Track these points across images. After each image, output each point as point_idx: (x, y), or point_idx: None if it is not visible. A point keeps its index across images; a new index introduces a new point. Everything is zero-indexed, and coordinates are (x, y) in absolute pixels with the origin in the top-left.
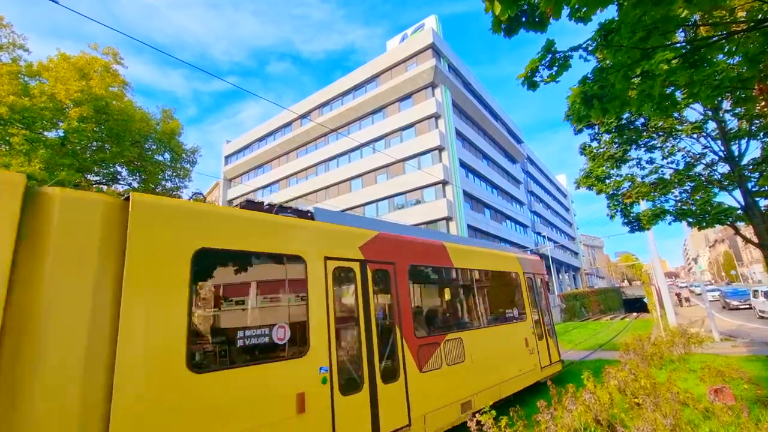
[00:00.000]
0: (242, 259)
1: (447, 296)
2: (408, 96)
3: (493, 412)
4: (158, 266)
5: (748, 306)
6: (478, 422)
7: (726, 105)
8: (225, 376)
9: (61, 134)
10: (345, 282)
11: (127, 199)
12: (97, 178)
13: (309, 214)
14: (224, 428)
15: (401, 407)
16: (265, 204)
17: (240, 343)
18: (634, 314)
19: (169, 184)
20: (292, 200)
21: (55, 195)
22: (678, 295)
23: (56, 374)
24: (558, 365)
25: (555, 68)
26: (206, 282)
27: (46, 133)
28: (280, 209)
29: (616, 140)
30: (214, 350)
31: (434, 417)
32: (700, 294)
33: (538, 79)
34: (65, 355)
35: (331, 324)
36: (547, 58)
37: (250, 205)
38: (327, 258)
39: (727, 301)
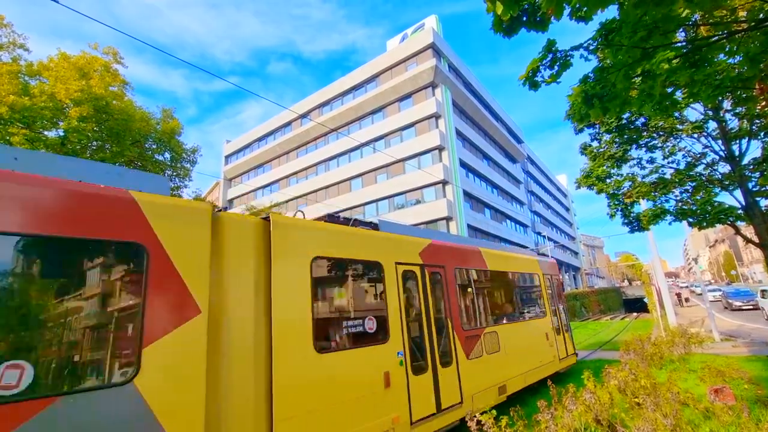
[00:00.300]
0: (342, 264)
1: (483, 294)
2: (408, 96)
3: (494, 412)
4: (291, 269)
5: (752, 307)
6: (479, 422)
7: (726, 105)
8: (338, 356)
9: (61, 134)
10: (410, 282)
11: (268, 219)
12: None
13: (374, 225)
14: (340, 395)
15: (455, 388)
16: (341, 217)
17: (345, 331)
18: (634, 314)
19: (169, 184)
20: (292, 200)
21: (226, 218)
22: (678, 295)
23: (239, 354)
24: (573, 357)
25: (556, 68)
26: (320, 282)
27: (46, 133)
28: (355, 222)
29: (617, 140)
30: (329, 336)
31: (479, 397)
32: (701, 294)
33: (539, 79)
34: (244, 340)
35: (402, 317)
36: (548, 58)
37: (330, 218)
38: (397, 263)
39: (730, 301)
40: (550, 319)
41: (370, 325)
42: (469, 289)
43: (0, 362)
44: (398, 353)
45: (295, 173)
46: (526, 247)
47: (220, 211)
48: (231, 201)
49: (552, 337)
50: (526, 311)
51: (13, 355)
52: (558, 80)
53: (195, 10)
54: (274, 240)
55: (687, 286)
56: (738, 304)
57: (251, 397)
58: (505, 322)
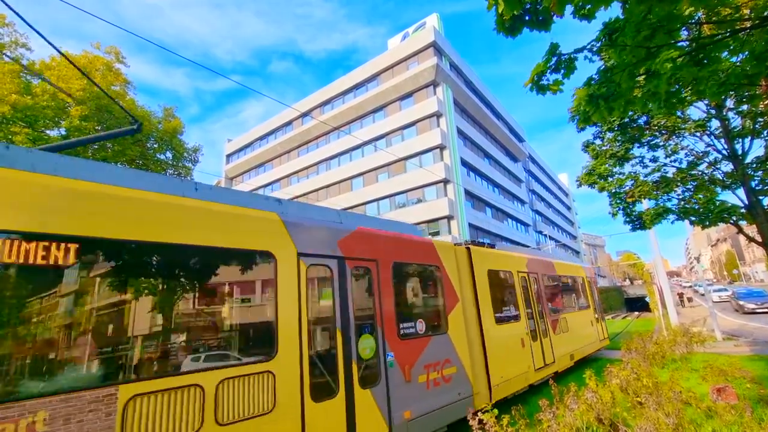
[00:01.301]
0: (500, 274)
1: (555, 291)
2: (409, 94)
3: (495, 411)
4: (481, 282)
5: (767, 310)
6: (480, 421)
7: (729, 103)
8: (503, 327)
9: (63, 133)
10: (529, 283)
11: (468, 248)
12: None
13: (492, 245)
14: (506, 348)
15: (550, 352)
16: (486, 243)
17: (506, 313)
18: (636, 313)
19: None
20: (293, 199)
21: (457, 248)
22: (680, 295)
23: (470, 320)
24: (606, 341)
25: (562, 71)
26: (488, 285)
27: (48, 132)
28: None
29: (619, 138)
30: (501, 315)
31: (560, 360)
32: (704, 294)
33: (545, 82)
34: (470, 314)
35: (521, 300)
36: (553, 61)
37: (478, 243)
38: (519, 271)
39: (741, 303)
40: (593, 310)
41: (514, 311)
42: (548, 288)
43: (414, 320)
44: (525, 328)
45: (296, 172)
46: (528, 246)
47: (458, 244)
48: None
49: (594, 323)
50: (578, 304)
51: (416, 317)
52: (562, 86)
53: (197, 10)
54: (474, 261)
55: (691, 286)
56: (751, 306)
57: (477, 341)
58: (569, 311)
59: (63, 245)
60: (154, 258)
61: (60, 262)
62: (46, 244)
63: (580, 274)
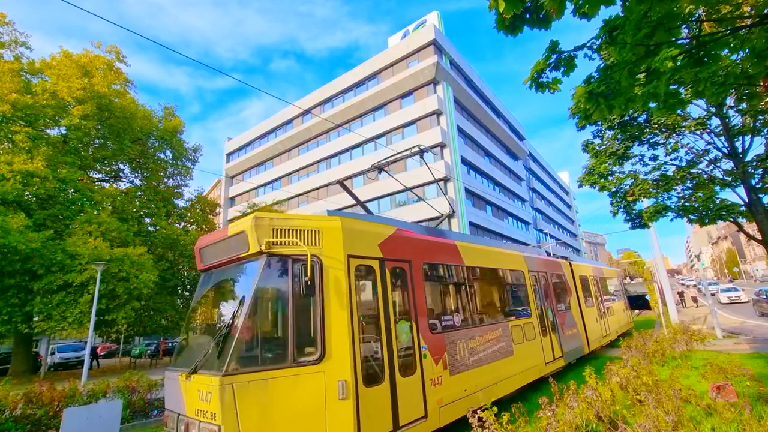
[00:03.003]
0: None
1: (603, 287)
2: (410, 92)
3: (494, 409)
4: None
5: None
6: (480, 419)
7: (730, 101)
8: (589, 310)
9: (63, 132)
10: (585, 283)
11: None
12: (99, 176)
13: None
14: (595, 325)
15: (583, 336)
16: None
17: (557, 306)
18: (636, 311)
19: (170, 182)
20: (293, 197)
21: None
22: (680, 294)
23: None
24: (631, 323)
25: (562, 68)
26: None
27: (48, 131)
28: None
29: (619, 136)
30: (597, 303)
31: (593, 342)
32: (714, 294)
33: (544, 80)
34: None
35: (581, 295)
36: (553, 59)
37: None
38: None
39: None
40: (624, 301)
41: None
42: (599, 285)
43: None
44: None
45: (297, 171)
46: (528, 244)
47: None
48: (232, 199)
49: (625, 311)
50: (611, 295)
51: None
52: (560, 84)
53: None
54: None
55: (695, 285)
56: None
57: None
58: (606, 301)
59: (468, 269)
60: (490, 273)
61: (465, 275)
62: (467, 266)
63: (615, 276)
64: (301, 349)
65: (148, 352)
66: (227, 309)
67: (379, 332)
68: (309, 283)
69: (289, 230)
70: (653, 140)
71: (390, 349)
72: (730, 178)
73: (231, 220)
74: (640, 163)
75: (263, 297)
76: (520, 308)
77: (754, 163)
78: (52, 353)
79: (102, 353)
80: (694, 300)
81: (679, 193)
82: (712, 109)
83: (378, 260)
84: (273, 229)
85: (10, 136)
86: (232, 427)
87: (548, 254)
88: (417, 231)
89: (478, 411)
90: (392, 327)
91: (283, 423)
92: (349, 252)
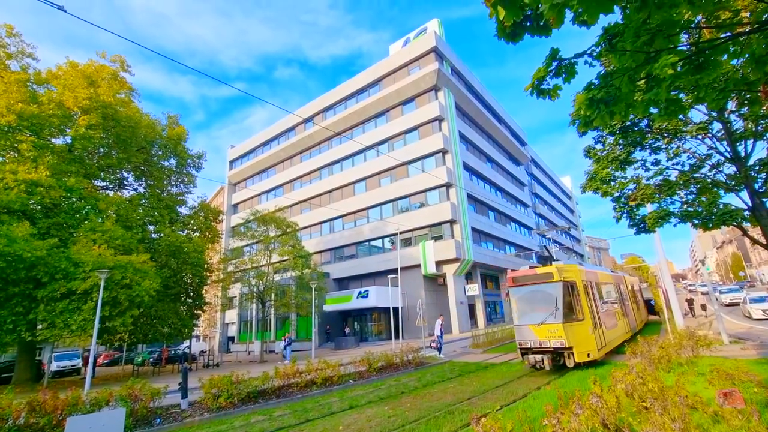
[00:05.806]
0: (603, 286)
1: (634, 290)
2: (411, 99)
3: (498, 415)
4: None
5: None
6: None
7: (731, 105)
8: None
9: (68, 141)
10: (632, 288)
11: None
12: (104, 184)
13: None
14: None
15: (638, 318)
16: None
17: (625, 302)
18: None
19: (174, 190)
20: (296, 204)
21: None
22: (689, 301)
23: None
24: (647, 318)
25: (562, 75)
26: (591, 296)
27: (53, 140)
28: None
29: (621, 141)
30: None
31: (639, 325)
32: (734, 303)
33: (545, 87)
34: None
35: (630, 295)
36: (553, 66)
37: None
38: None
39: None
40: (643, 300)
41: (627, 303)
42: (635, 289)
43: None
44: (651, 302)
45: (299, 177)
46: (531, 250)
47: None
48: (235, 206)
49: (645, 308)
50: (640, 296)
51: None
52: (560, 91)
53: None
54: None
55: (706, 292)
56: None
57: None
58: (639, 301)
59: (601, 283)
60: (607, 288)
61: (597, 290)
62: (601, 282)
63: (635, 283)
64: (578, 315)
65: (151, 360)
66: (553, 300)
67: (593, 308)
68: (575, 290)
69: (566, 270)
70: (655, 145)
71: (596, 316)
72: (733, 183)
73: (234, 227)
74: (642, 168)
75: (565, 296)
76: (615, 303)
77: (757, 167)
78: (49, 362)
79: (105, 361)
80: (704, 308)
81: (682, 197)
82: (714, 114)
83: (584, 281)
84: (560, 269)
85: (16, 145)
86: (569, 338)
87: (612, 271)
88: (587, 267)
89: (482, 419)
90: (595, 306)
91: (579, 338)
92: (582, 279)
